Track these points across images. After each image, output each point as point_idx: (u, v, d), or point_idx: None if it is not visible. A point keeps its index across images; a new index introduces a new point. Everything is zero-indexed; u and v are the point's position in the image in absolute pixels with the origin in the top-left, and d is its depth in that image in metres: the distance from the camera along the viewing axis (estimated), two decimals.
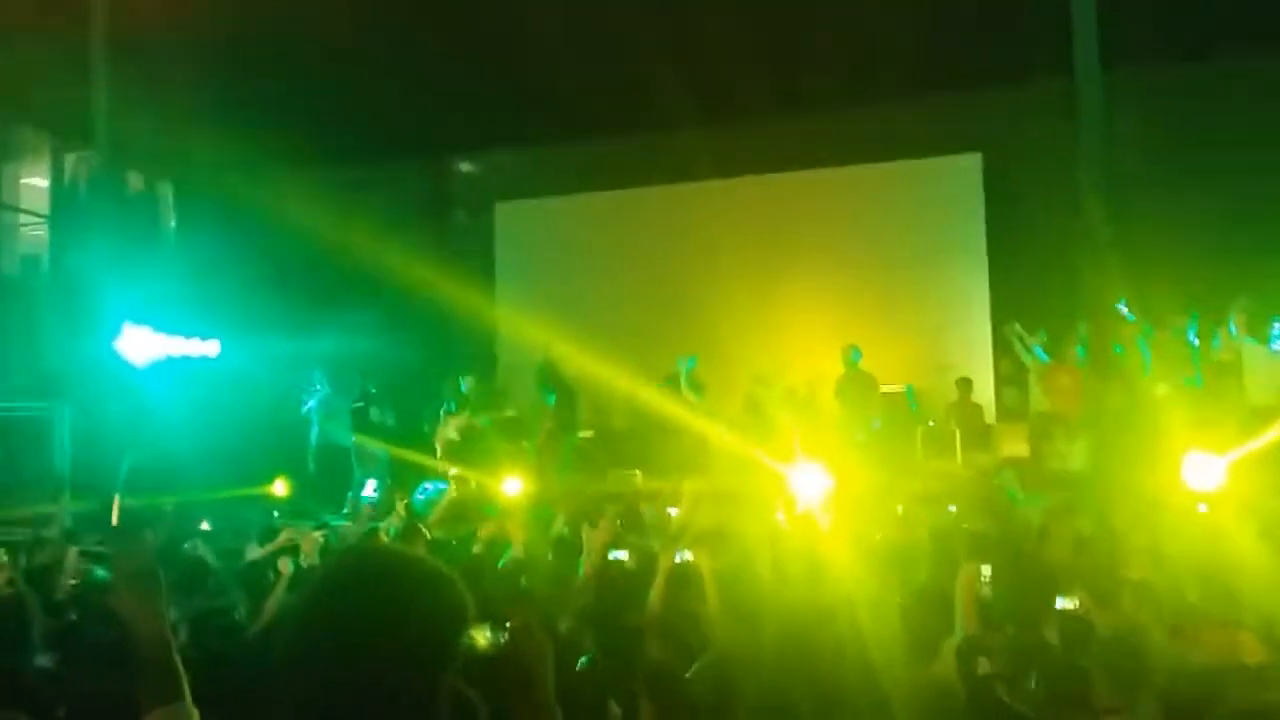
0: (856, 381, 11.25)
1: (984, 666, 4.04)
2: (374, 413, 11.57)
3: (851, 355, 11.33)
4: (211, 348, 12.37)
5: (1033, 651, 4.31)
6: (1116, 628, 4.47)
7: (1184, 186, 10.84)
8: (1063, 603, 4.68)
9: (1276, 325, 9.63)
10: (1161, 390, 9.35)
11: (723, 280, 12.82)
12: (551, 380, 11.94)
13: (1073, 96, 7.96)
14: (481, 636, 4.14)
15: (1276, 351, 9.53)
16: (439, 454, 11.16)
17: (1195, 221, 10.77)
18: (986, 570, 5.03)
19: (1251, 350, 9.59)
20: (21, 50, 10.21)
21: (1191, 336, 10.10)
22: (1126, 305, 8.92)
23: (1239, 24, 10.29)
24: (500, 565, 5.94)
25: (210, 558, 6.21)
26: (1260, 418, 8.84)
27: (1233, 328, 9.75)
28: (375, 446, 11.15)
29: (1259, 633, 4.40)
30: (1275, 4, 9.72)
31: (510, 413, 11.94)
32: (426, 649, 1.61)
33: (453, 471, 9.78)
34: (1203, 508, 7.44)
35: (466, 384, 11.96)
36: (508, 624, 4.45)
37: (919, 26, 9.75)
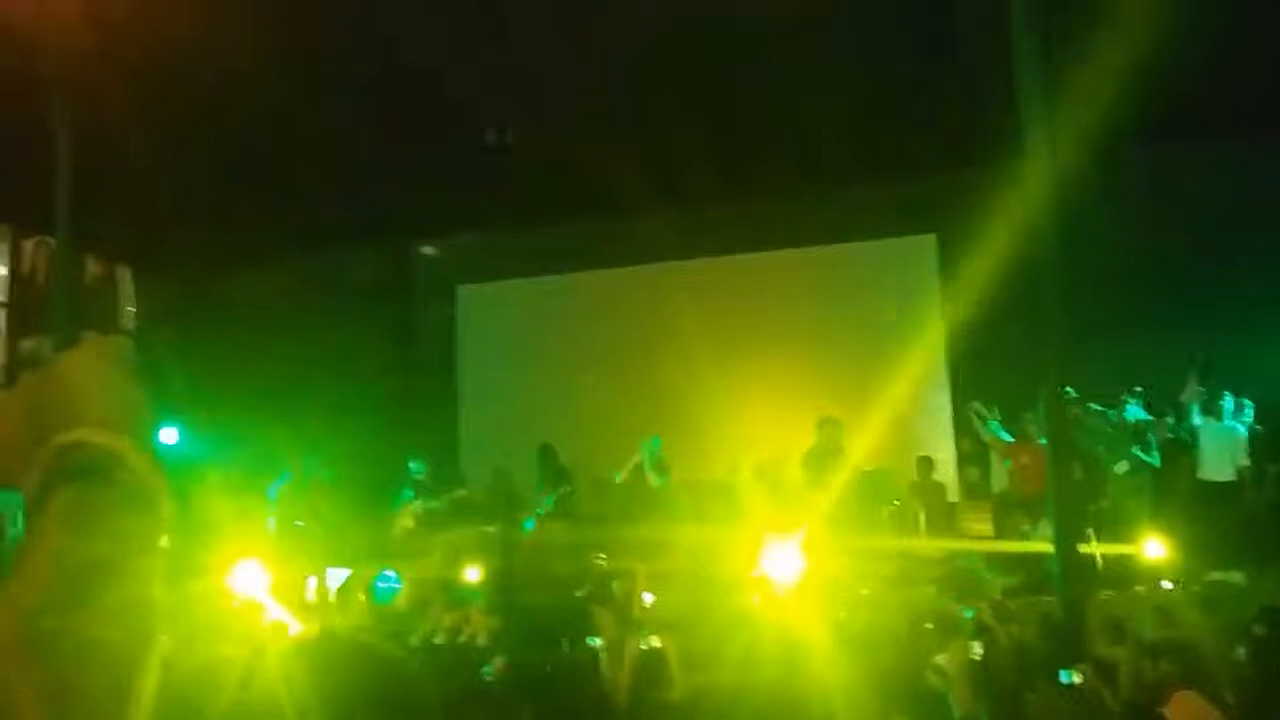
0: (827, 455, 11.18)
1: None
2: (329, 497, 11.39)
3: (828, 428, 11.28)
4: (170, 435, 12.19)
5: None
6: (1125, 700, 4.52)
7: (1136, 266, 11.09)
8: (1067, 677, 4.68)
9: (1229, 401, 9.83)
10: (1121, 468, 9.47)
11: (685, 361, 12.89)
12: (555, 468, 11.87)
13: (1024, 178, 8.11)
14: None
15: (1231, 426, 9.72)
16: (397, 542, 11.00)
17: (1147, 301, 11.01)
18: (978, 646, 5.01)
19: (1206, 428, 9.77)
20: None
21: (1140, 412, 10.27)
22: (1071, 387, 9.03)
23: (1195, 112, 10.64)
24: (464, 656, 5.84)
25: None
26: (1213, 493, 8.98)
27: (1196, 413, 9.91)
28: (319, 533, 10.97)
29: (1217, 701, 4.45)
30: (1227, 92, 10.09)
31: (463, 493, 11.80)
32: None
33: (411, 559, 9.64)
34: (1167, 585, 7.52)
35: (419, 469, 11.83)
36: None
37: (872, 112, 9.97)
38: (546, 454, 11.78)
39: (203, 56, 8.96)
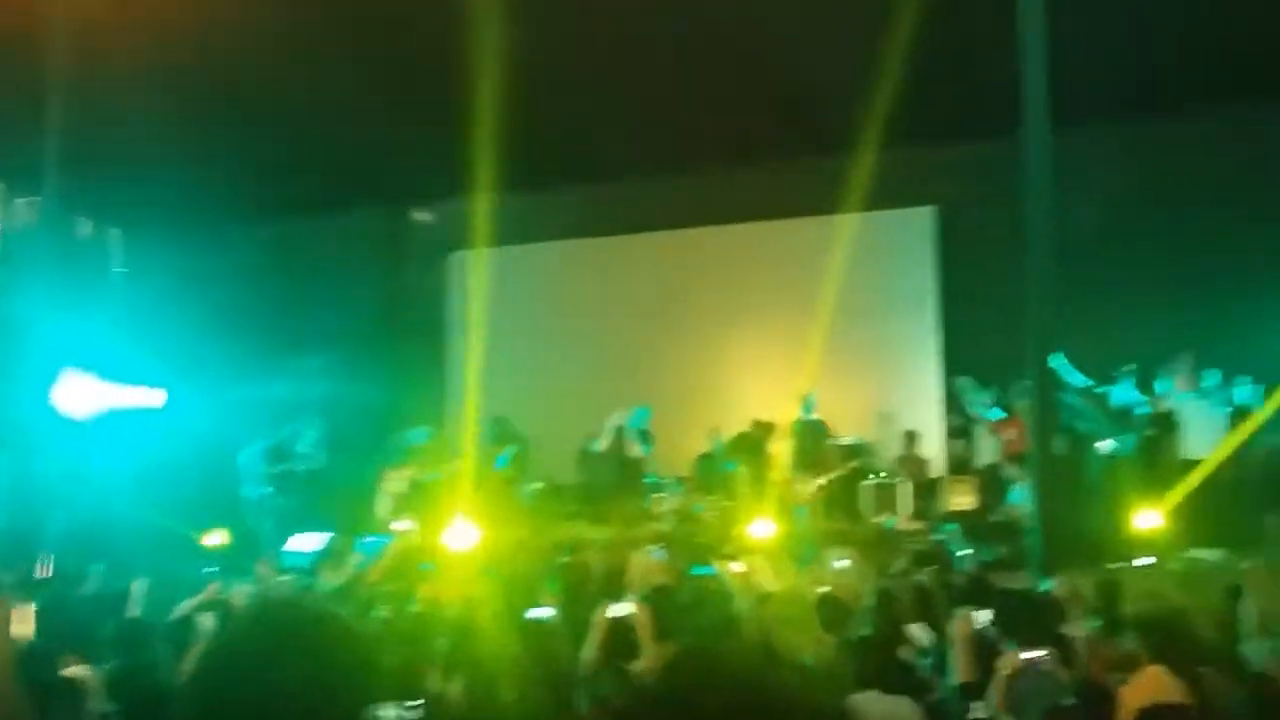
0: (809, 429, 11.21)
1: (977, 711, 4.05)
2: (307, 458, 11.38)
3: (807, 402, 11.29)
4: (157, 397, 12.22)
5: None
6: (1078, 680, 4.53)
7: (1132, 242, 11.03)
8: (1029, 655, 4.66)
9: (1214, 380, 9.78)
10: (1106, 445, 9.44)
11: (676, 330, 12.88)
12: (506, 433, 11.83)
13: (1023, 153, 8.06)
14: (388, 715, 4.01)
15: (1213, 405, 9.68)
16: (385, 507, 10.99)
17: (1143, 277, 10.95)
18: (982, 615, 4.99)
19: (1189, 405, 9.72)
20: None
21: (1131, 391, 10.22)
22: (1064, 360, 9.01)
23: (1188, 83, 10.53)
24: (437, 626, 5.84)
25: (141, 613, 6.07)
26: (1195, 471, 8.95)
27: (1171, 383, 9.92)
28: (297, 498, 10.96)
29: (1184, 675, 4.46)
30: (1224, 64, 9.99)
31: (456, 465, 11.77)
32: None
33: (397, 525, 9.65)
34: (1145, 560, 7.52)
35: (419, 436, 11.79)
36: (419, 702, 4.33)
37: (873, 80, 9.87)
38: (498, 423, 11.75)
39: (196, 16, 8.88)
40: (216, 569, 8.09)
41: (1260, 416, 9.23)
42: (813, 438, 10.97)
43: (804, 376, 11.20)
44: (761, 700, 1.58)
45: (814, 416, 11.19)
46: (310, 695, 1.52)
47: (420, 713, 3.72)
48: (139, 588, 6.19)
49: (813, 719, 1.69)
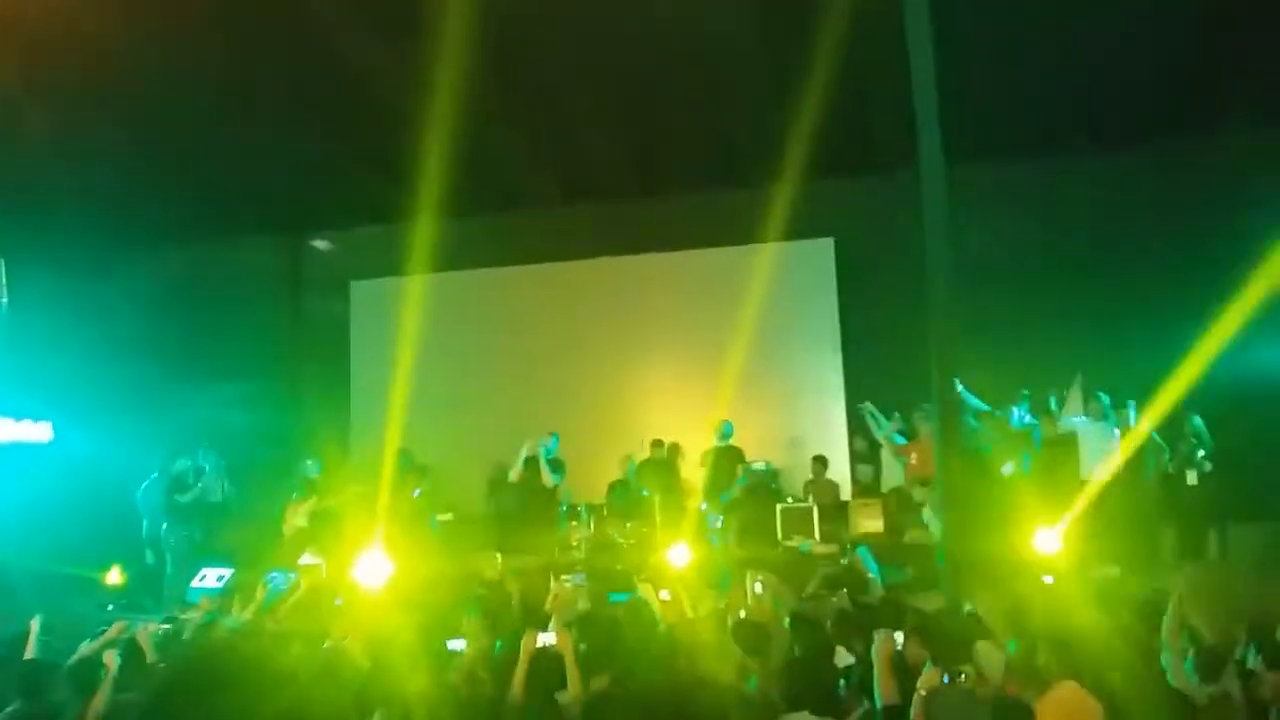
0: (724, 455, 11.28)
1: None
2: (207, 490, 11.03)
3: (724, 429, 11.35)
4: (43, 431, 11.76)
5: None
6: (995, 696, 4.64)
7: (1026, 272, 11.46)
8: (947, 673, 4.76)
9: (1105, 403, 10.18)
10: (1007, 468, 9.73)
11: (584, 360, 12.92)
12: (410, 465, 11.62)
13: (918, 187, 8.29)
14: None
15: (1106, 427, 10.06)
16: (287, 541, 10.70)
17: (1036, 305, 11.36)
18: (899, 637, 5.09)
19: (1083, 427, 10.09)
20: None
21: (1025, 415, 10.58)
22: (961, 385, 9.26)
23: (1077, 124, 11.02)
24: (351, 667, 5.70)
25: (38, 653, 5.81)
26: (1092, 491, 9.28)
27: (1054, 406, 10.32)
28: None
29: (1094, 689, 4.61)
30: (1111, 107, 10.48)
31: (358, 489, 11.51)
32: None
33: (303, 560, 9.41)
34: (1048, 579, 7.74)
35: (313, 468, 11.52)
36: None
37: (775, 117, 10.08)
38: (404, 455, 11.54)
39: (84, 38, 8.61)
40: (114, 607, 7.80)
41: (1146, 440, 9.66)
42: (728, 464, 11.05)
43: (718, 404, 11.33)
44: None
45: (730, 443, 11.27)
46: None
47: None
48: (34, 626, 5.90)
49: None
